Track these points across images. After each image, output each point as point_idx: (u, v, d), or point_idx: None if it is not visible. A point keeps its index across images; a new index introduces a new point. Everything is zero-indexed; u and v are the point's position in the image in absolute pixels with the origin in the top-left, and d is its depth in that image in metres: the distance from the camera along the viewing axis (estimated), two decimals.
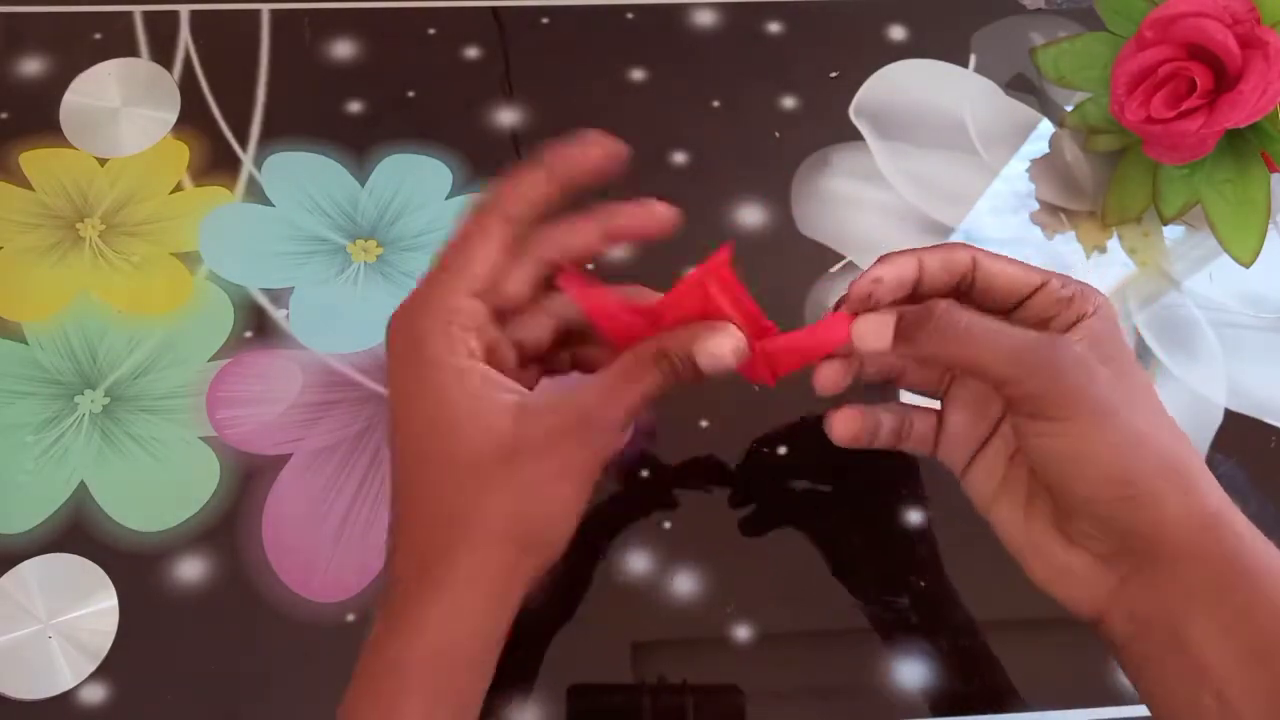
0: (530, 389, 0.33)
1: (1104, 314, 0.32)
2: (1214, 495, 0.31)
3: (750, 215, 0.49)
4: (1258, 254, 0.45)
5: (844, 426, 0.35)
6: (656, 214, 0.33)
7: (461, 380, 0.30)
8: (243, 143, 0.49)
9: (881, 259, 0.32)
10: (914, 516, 0.42)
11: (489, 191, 0.32)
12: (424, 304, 0.31)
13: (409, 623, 0.29)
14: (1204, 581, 0.30)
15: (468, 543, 0.30)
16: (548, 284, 0.34)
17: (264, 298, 0.46)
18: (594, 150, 0.32)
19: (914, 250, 0.33)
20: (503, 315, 0.33)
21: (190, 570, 0.40)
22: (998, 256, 0.33)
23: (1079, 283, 0.32)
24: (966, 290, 0.33)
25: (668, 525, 0.42)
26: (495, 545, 0.30)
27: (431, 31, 0.53)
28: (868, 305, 0.32)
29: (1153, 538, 0.30)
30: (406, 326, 0.31)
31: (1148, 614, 0.31)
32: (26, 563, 0.40)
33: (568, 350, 0.36)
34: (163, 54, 0.52)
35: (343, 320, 0.45)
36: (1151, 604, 0.31)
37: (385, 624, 0.30)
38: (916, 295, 0.33)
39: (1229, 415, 0.46)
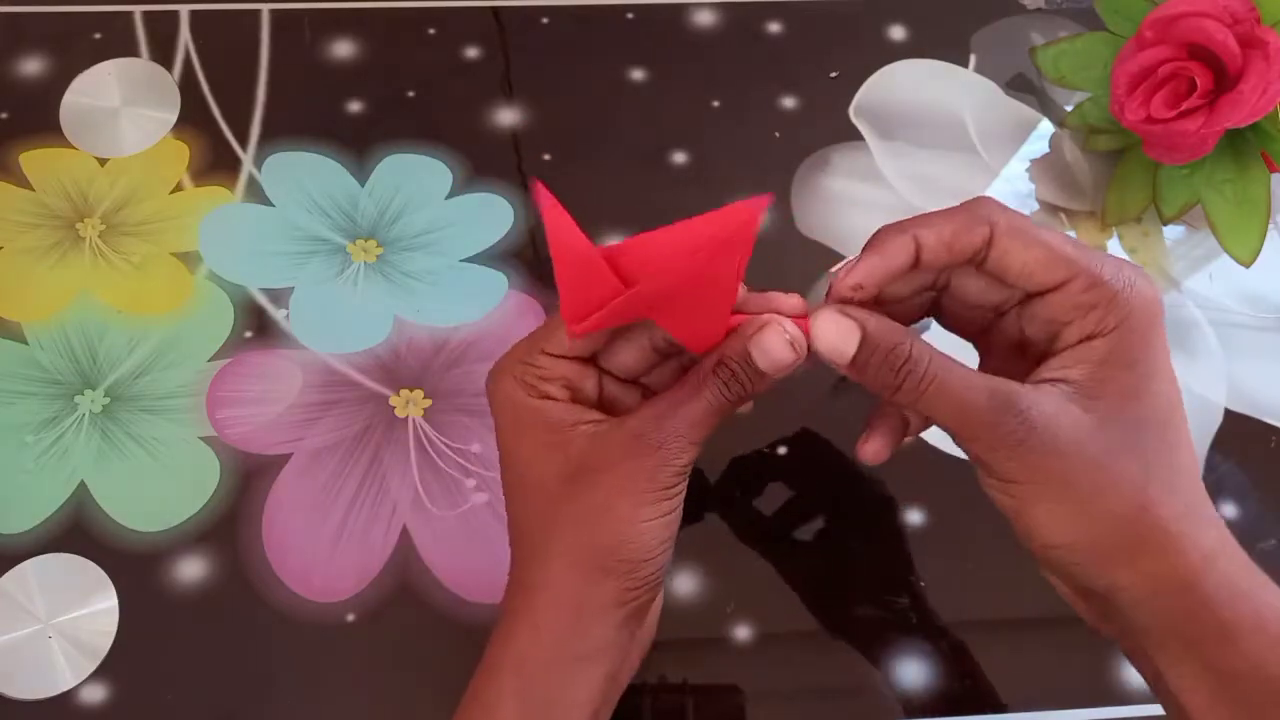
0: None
1: (1131, 327, 0.29)
2: (1187, 556, 0.28)
3: None
4: (1258, 254, 0.45)
5: (875, 454, 0.34)
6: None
7: (539, 415, 0.31)
8: (243, 143, 0.49)
9: (873, 240, 0.31)
10: (914, 516, 0.42)
11: None
12: (506, 358, 0.33)
13: (503, 633, 0.31)
14: (1178, 647, 0.28)
15: (543, 564, 0.31)
16: (661, 354, 0.33)
17: (264, 298, 0.46)
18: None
19: (914, 224, 0.30)
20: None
21: (190, 570, 0.40)
22: (1024, 234, 0.29)
23: (1114, 277, 0.29)
24: (980, 264, 0.30)
25: None
26: (565, 564, 0.30)
27: (431, 31, 0.53)
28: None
29: (1109, 600, 0.29)
30: (495, 375, 0.33)
31: (1130, 651, 0.30)
32: (26, 563, 0.40)
33: (669, 364, 0.35)
34: (163, 54, 0.52)
35: (343, 320, 0.45)
36: (1131, 648, 0.30)
37: (493, 637, 0.32)
38: (920, 269, 0.31)
39: (1229, 415, 0.46)
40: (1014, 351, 0.32)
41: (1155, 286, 0.30)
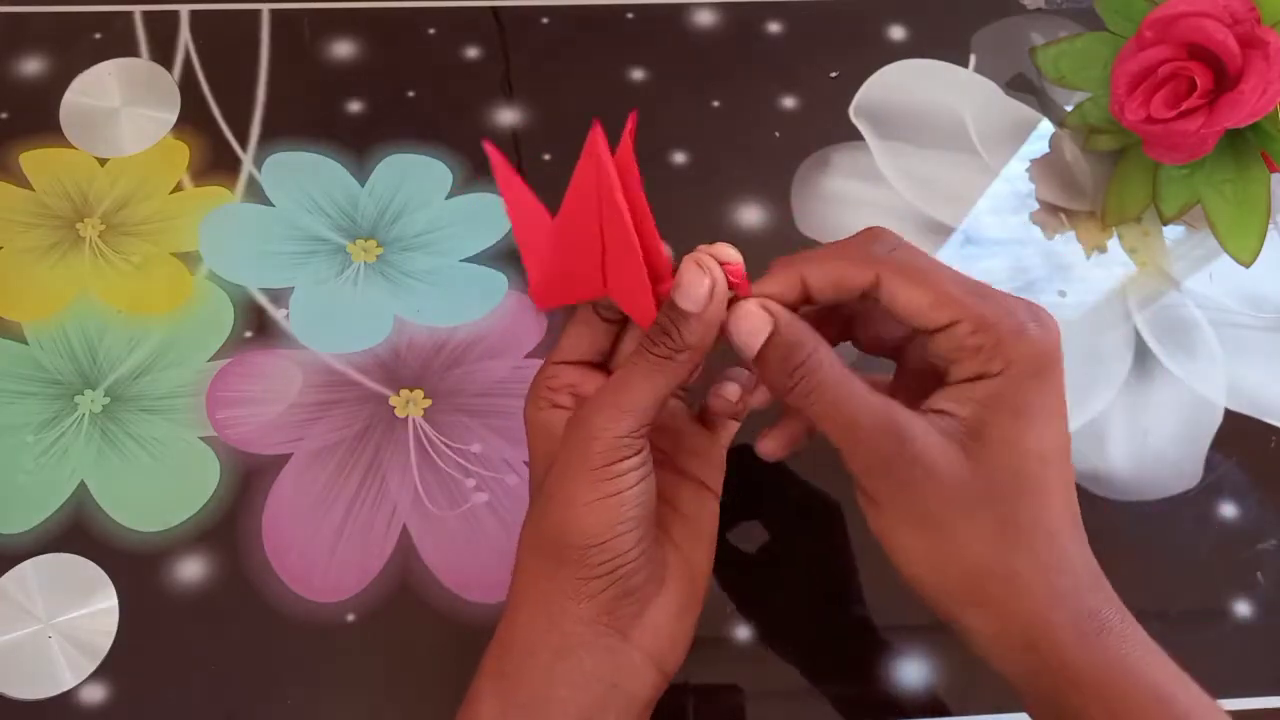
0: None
1: (1014, 374, 0.28)
2: (1036, 617, 0.28)
3: (750, 215, 0.49)
4: (1258, 254, 0.45)
5: (770, 452, 0.35)
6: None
7: (544, 428, 0.33)
8: (243, 143, 0.49)
9: (768, 270, 0.31)
10: None
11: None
12: (533, 381, 0.34)
13: (497, 634, 0.32)
14: (1031, 699, 0.29)
15: (518, 558, 0.32)
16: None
17: (264, 298, 0.46)
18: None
19: (803, 261, 0.31)
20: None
21: (190, 570, 0.40)
22: (911, 274, 0.29)
23: (1002, 323, 0.28)
24: (874, 304, 0.31)
25: None
26: (527, 555, 0.32)
27: (431, 31, 0.53)
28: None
29: (975, 647, 0.30)
30: (526, 400, 0.34)
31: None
32: (26, 563, 0.40)
33: None
34: (163, 54, 0.52)
35: (343, 320, 0.45)
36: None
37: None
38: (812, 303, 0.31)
39: (1229, 415, 0.46)
40: (925, 371, 0.32)
41: (1054, 331, 0.29)
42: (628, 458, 0.30)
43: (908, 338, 0.33)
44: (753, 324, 0.30)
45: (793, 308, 0.31)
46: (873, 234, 0.31)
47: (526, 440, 0.34)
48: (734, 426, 0.36)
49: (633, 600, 0.31)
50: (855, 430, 0.29)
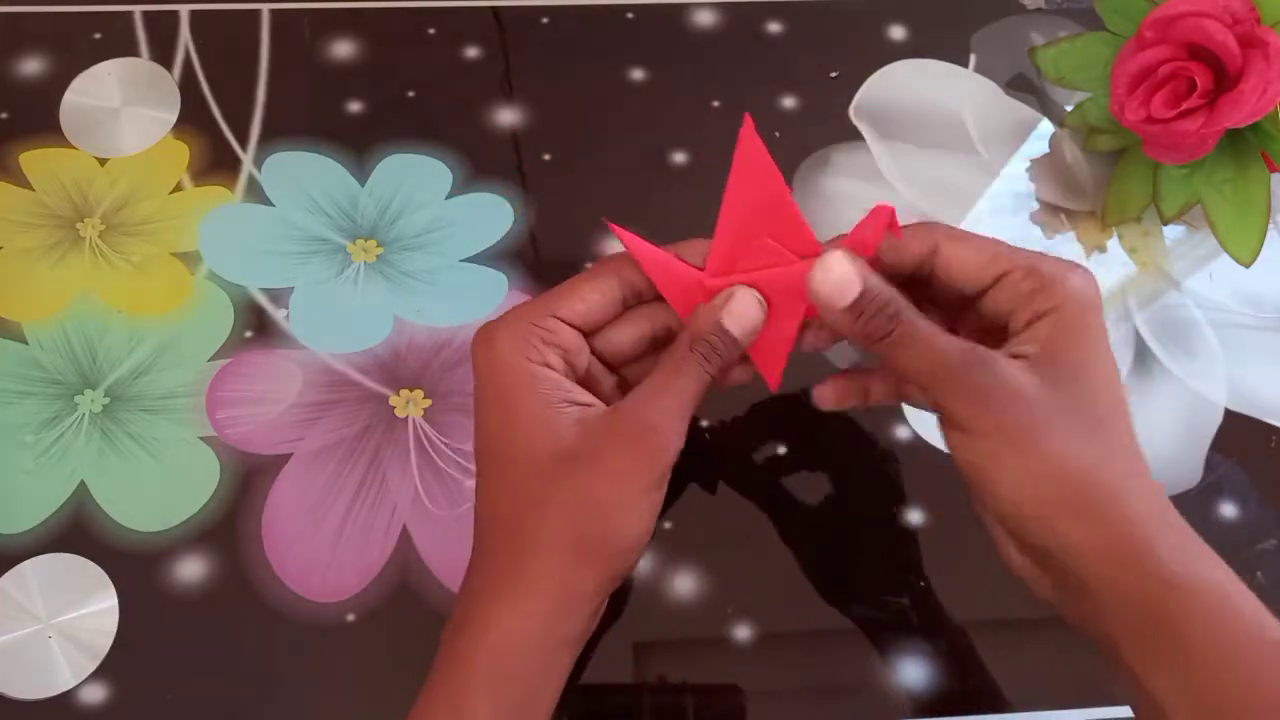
0: (620, 395, 0.34)
1: (1068, 310, 0.31)
2: (1138, 526, 0.29)
3: None
4: (1258, 254, 0.45)
5: (828, 394, 0.36)
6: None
7: (533, 384, 0.31)
8: (243, 143, 0.49)
9: (829, 247, 0.32)
10: (914, 516, 0.42)
11: (621, 254, 0.34)
12: (510, 315, 0.33)
13: (478, 621, 0.30)
14: (1128, 619, 0.29)
15: (532, 550, 0.30)
16: (655, 344, 0.35)
17: (264, 298, 0.46)
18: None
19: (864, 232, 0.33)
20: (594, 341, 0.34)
21: (190, 570, 0.40)
22: (965, 239, 0.32)
23: (1049, 269, 0.31)
24: (928, 276, 0.33)
25: (668, 525, 0.42)
26: (557, 553, 0.30)
27: (431, 31, 0.53)
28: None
29: (1061, 563, 0.30)
30: (487, 335, 0.32)
31: (1084, 629, 0.31)
32: (26, 563, 0.40)
33: (649, 361, 0.36)
34: (163, 54, 0.52)
35: (343, 320, 0.45)
36: (1084, 621, 0.31)
37: (457, 621, 0.31)
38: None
39: (1229, 415, 0.46)
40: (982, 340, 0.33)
41: (1093, 280, 0.32)
42: (669, 473, 0.31)
43: (957, 312, 0.35)
44: (843, 277, 0.31)
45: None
46: (927, 223, 0.34)
47: (489, 382, 0.32)
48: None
49: None
50: (945, 364, 0.30)
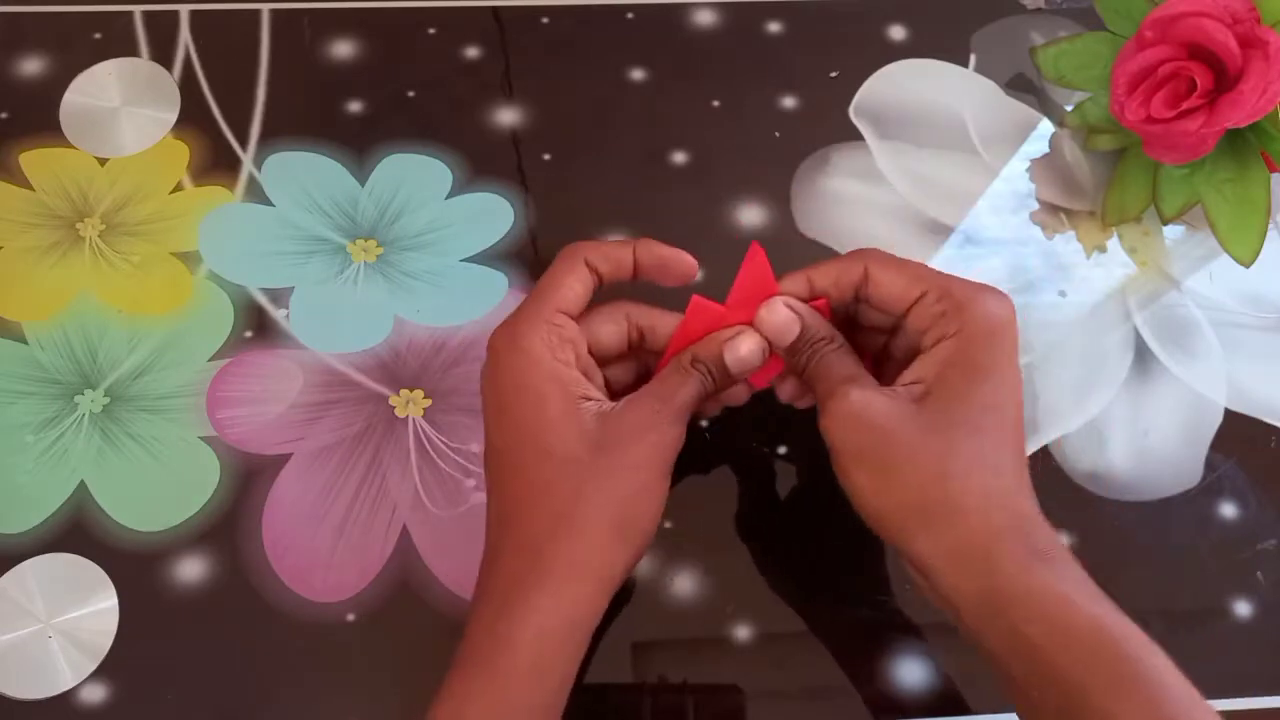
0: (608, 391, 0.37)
1: (969, 333, 0.33)
2: (980, 535, 0.31)
3: (750, 215, 0.49)
4: (1258, 254, 0.45)
5: (787, 389, 0.38)
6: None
7: (560, 380, 0.34)
8: (243, 143, 0.49)
9: (781, 279, 0.36)
10: None
11: (579, 243, 0.37)
12: (527, 315, 0.35)
13: (520, 605, 0.31)
14: (982, 619, 0.31)
15: (578, 533, 0.32)
16: (632, 346, 0.38)
17: (264, 297, 0.46)
18: (682, 263, 0.37)
19: (809, 268, 0.36)
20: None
21: (190, 570, 0.40)
22: (890, 264, 0.35)
23: (960, 292, 0.34)
24: (865, 299, 0.36)
25: (668, 525, 0.42)
26: (597, 534, 0.32)
27: (431, 31, 0.53)
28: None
29: (924, 575, 0.32)
30: (509, 333, 0.34)
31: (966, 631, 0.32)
32: (26, 563, 0.40)
33: (635, 358, 0.39)
34: (163, 54, 0.52)
35: (343, 320, 0.45)
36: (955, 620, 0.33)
37: (493, 606, 0.32)
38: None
39: (1229, 415, 0.46)
40: (909, 360, 0.36)
41: (1008, 302, 0.34)
42: None
43: (891, 334, 0.37)
44: (784, 321, 0.35)
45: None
46: (860, 250, 0.37)
47: (516, 380, 0.34)
48: None
49: None
50: (827, 389, 0.34)
